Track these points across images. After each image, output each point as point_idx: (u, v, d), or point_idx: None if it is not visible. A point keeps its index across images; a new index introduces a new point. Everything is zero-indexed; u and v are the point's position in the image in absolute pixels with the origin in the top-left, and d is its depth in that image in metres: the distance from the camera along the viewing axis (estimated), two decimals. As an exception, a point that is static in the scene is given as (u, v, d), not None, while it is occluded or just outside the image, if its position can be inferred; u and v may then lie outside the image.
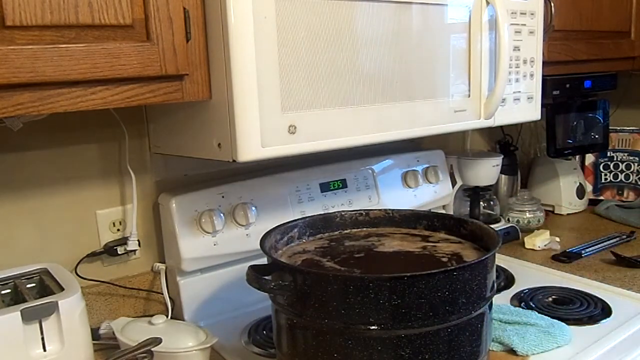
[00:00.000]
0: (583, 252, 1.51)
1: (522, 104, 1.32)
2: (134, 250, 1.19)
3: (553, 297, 1.23)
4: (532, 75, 1.32)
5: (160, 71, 0.84)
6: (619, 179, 1.96)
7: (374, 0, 1.01)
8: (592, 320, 1.13)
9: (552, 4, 1.41)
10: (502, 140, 1.85)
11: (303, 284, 0.81)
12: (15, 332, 0.81)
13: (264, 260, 0.90)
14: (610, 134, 1.93)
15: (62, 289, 0.88)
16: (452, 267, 0.80)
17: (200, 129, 0.98)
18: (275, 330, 0.91)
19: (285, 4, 0.90)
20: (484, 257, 0.83)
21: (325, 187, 1.34)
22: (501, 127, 1.80)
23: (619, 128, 1.96)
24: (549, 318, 1.10)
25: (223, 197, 1.19)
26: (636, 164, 1.93)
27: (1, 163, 1.06)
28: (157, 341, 0.92)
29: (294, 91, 0.93)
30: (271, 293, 0.85)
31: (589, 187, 1.97)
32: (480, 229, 0.99)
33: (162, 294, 1.20)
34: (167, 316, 1.09)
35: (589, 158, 1.99)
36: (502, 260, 1.48)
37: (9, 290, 0.94)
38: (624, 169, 1.95)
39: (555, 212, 1.89)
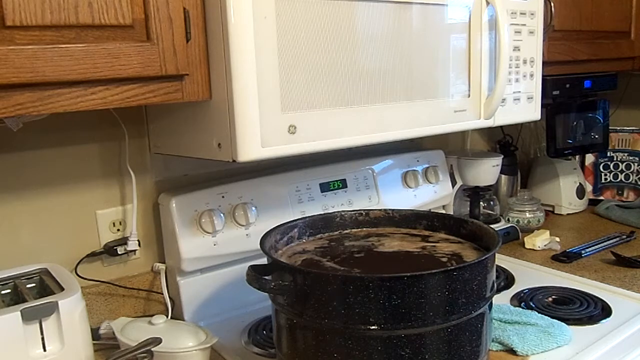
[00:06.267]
0: (583, 252, 1.51)
1: (522, 104, 1.32)
2: (134, 250, 1.19)
3: (553, 297, 1.23)
4: (532, 75, 1.32)
5: (160, 71, 0.84)
6: (619, 179, 1.96)
7: (374, 0, 1.01)
8: (592, 320, 1.13)
9: (552, 4, 1.41)
10: (502, 140, 1.85)
11: (303, 284, 0.81)
12: (15, 332, 0.81)
13: (264, 260, 0.90)
14: (610, 134, 1.93)
15: (62, 289, 0.88)
16: (452, 267, 0.80)
17: (200, 129, 0.98)
18: (275, 330, 0.91)
19: (285, 4, 0.90)
20: (483, 257, 0.83)
21: (325, 187, 1.34)
22: (501, 127, 1.80)
23: (619, 128, 1.96)
24: (549, 318, 1.10)
25: (223, 197, 1.19)
26: (636, 164, 1.93)
27: (1, 163, 1.06)
28: (157, 341, 0.92)
29: (294, 91, 0.93)
30: (271, 293, 0.85)
31: (589, 187, 1.97)
32: (480, 229, 0.99)
33: (162, 294, 1.20)
34: (167, 316, 1.09)
35: (589, 158, 1.99)
36: (502, 260, 1.48)
37: (9, 290, 0.94)
38: (624, 169, 1.95)
39: (555, 212, 1.89)
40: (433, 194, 1.52)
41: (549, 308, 1.18)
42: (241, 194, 1.21)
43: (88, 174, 1.15)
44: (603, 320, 1.12)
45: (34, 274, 0.96)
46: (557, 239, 1.58)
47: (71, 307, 0.85)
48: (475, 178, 1.60)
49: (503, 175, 1.80)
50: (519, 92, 1.31)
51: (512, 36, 1.25)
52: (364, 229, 1.10)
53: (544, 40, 1.35)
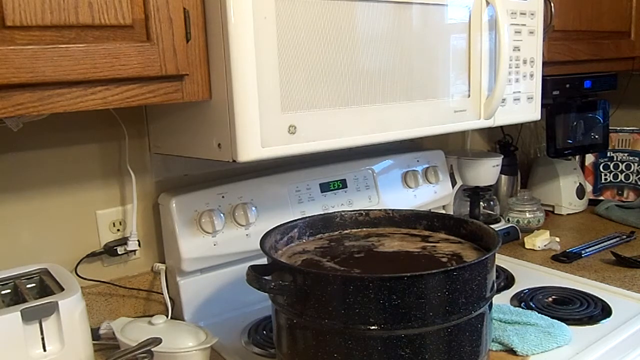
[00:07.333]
0: (583, 252, 1.51)
1: (522, 104, 1.32)
2: (134, 251, 1.19)
3: (553, 297, 1.23)
4: (532, 76, 1.32)
5: (160, 71, 0.84)
6: (619, 179, 1.96)
7: (374, 1, 1.01)
8: (592, 320, 1.13)
9: (552, 4, 1.41)
10: (502, 140, 1.85)
11: (303, 284, 0.81)
12: (15, 332, 0.81)
13: (264, 260, 0.90)
14: (610, 134, 1.93)
15: (62, 289, 0.88)
16: (452, 267, 0.80)
17: (200, 129, 0.98)
18: (275, 330, 0.91)
19: (285, 4, 0.90)
20: (483, 257, 0.83)
21: (325, 187, 1.34)
22: (501, 127, 1.80)
23: (619, 128, 1.96)
24: (549, 318, 1.10)
25: (223, 197, 1.19)
26: (636, 164, 1.93)
27: (1, 163, 1.06)
28: (157, 341, 0.92)
29: (294, 91, 0.93)
30: (271, 293, 0.85)
31: (589, 187, 1.97)
32: (480, 229, 0.99)
33: (162, 294, 1.20)
34: (167, 316, 1.10)
35: (589, 158, 1.99)
36: (502, 260, 1.48)
37: (9, 290, 0.94)
38: (624, 169, 1.95)
39: (555, 212, 1.89)
40: (433, 194, 1.52)
41: (549, 308, 1.18)
42: (241, 194, 1.21)
43: (88, 174, 1.15)
44: (603, 321, 1.12)
45: (34, 274, 0.96)
46: (557, 239, 1.58)
47: (71, 307, 0.85)
48: (475, 178, 1.60)
49: (503, 175, 1.80)
50: (519, 92, 1.31)
51: (512, 36, 1.25)
52: (364, 229, 1.10)
53: (544, 40, 1.35)
